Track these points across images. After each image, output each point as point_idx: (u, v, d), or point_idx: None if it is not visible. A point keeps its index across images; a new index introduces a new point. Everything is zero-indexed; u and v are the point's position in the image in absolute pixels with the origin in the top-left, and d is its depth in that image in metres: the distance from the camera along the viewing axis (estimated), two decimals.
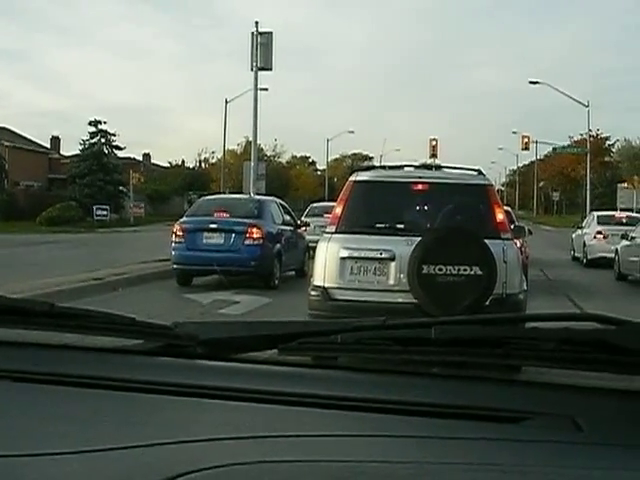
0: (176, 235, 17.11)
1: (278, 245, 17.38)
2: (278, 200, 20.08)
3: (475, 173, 9.34)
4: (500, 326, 1.61)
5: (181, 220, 17.86)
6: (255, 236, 16.65)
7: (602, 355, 1.41)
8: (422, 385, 1.46)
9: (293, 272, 18.75)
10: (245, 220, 17.03)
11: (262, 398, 1.43)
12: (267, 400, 1.43)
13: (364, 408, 1.39)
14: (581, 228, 27.29)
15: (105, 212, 53.01)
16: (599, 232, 24.82)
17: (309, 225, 21.68)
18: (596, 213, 28.42)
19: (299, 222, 20.53)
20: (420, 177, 9.10)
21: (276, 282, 16.85)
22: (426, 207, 9.15)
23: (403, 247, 8.27)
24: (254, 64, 28.69)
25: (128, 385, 1.51)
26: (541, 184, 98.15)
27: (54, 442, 1.24)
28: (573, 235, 28.24)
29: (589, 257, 24.80)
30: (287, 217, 19.21)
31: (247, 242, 16.59)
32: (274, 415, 1.38)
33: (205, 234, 16.85)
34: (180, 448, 1.21)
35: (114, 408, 1.44)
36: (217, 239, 16.77)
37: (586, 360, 1.42)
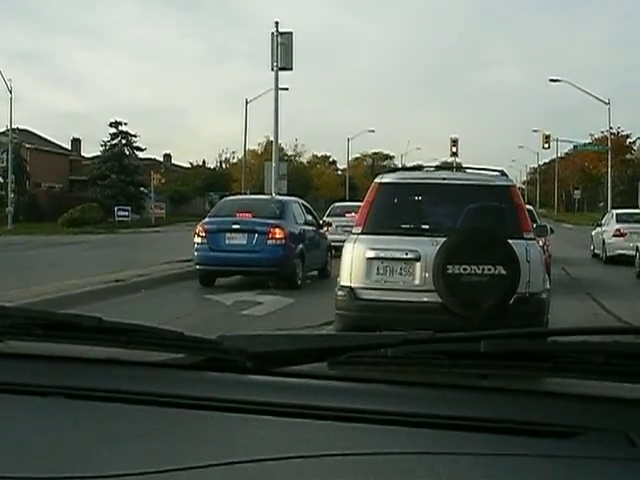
0: (199, 236, 17.10)
1: (300, 245, 17.33)
2: (300, 200, 20.05)
3: (498, 174, 9.38)
4: (548, 339, 1.61)
5: (203, 221, 17.83)
6: (278, 236, 16.62)
7: None
8: (473, 399, 1.46)
9: (316, 272, 18.74)
10: (267, 220, 17.02)
11: (313, 414, 1.43)
12: (318, 416, 1.43)
13: (416, 423, 1.39)
14: (600, 226, 27.39)
15: (126, 213, 53.30)
16: (618, 230, 25.04)
17: (331, 225, 21.63)
18: (615, 211, 28.56)
19: (321, 222, 20.53)
20: (444, 178, 9.20)
21: (299, 282, 16.81)
22: (450, 208, 9.23)
23: (428, 247, 8.36)
24: (274, 64, 28.67)
25: (178, 401, 1.51)
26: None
27: (109, 463, 1.24)
28: (593, 233, 28.37)
29: (608, 254, 25.05)
30: (309, 217, 19.19)
31: (270, 242, 16.56)
32: (326, 432, 1.38)
33: (228, 235, 16.83)
34: (234, 469, 1.21)
35: (166, 426, 1.44)
36: (240, 240, 16.74)
37: (636, 373, 1.41)
